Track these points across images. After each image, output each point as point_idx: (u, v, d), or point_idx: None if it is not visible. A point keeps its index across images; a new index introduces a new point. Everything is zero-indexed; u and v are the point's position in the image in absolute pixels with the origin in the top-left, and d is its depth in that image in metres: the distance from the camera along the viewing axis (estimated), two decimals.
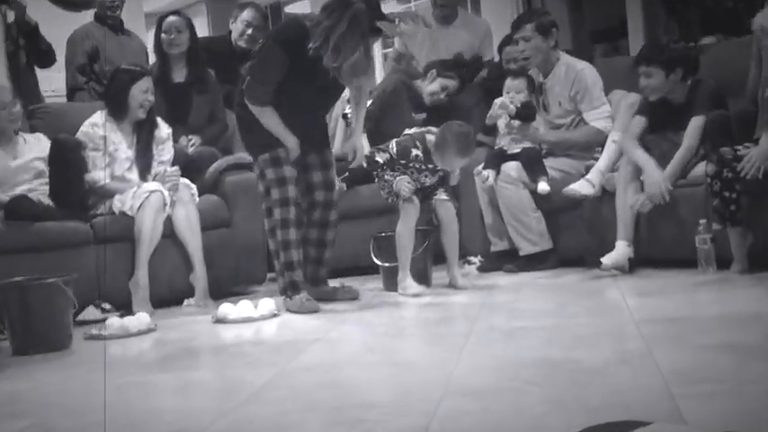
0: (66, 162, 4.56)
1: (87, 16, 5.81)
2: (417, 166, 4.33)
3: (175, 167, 4.70)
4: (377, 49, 7.53)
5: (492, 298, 4.03)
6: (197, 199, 4.70)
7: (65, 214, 4.48)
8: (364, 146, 4.46)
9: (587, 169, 4.64)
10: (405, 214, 4.29)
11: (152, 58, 5.63)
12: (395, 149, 4.34)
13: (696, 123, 4.24)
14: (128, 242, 4.46)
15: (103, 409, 2.44)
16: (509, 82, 4.95)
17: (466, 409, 2.15)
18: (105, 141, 4.66)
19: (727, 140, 4.03)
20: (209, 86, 5.36)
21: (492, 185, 4.82)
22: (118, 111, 4.71)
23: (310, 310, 3.99)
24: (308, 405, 2.34)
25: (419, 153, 4.32)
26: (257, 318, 3.91)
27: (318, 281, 4.31)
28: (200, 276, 4.53)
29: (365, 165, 4.39)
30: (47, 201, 4.51)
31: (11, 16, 5.29)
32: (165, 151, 4.80)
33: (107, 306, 4.34)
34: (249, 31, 5.75)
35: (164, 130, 4.83)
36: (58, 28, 5.69)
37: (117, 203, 4.56)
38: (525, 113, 4.86)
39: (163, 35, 5.29)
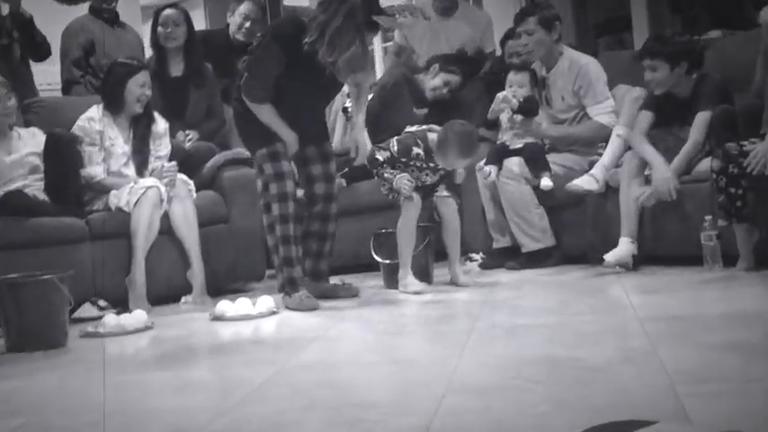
0: (62, 157, 4.56)
1: (82, 9, 5.80)
2: (418, 164, 4.33)
3: (173, 163, 4.70)
4: (377, 42, 7.53)
5: (494, 295, 4.03)
6: (194, 195, 4.70)
7: (60, 210, 4.48)
8: (366, 142, 4.45)
9: (591, 165, 4.64)
10: (405, 211, 4.29)
11: (148, 52, 5.62)
12: (396, 147, 4.34)
13: (702, 118, 4.24)
14: (124, 238, 4.47)
15: (99, 407, 2.45)
16: (511, 76, 4.95)
17: (467, 408, 2.15)
18: (103, 136, 4.67)
19: (732, 136, 4.03)
20: (206, 81, 5.36)
21: (494, 181, 4.82)
22: (114, 105, 4.71)
23: (309, 308, 3.99)
24: (307, 404, 2.34)
25: (420, 151, 4.32)
26: (255, 315, 3.91)
27: (319, 275, 4.31)
28: (197, 273, 4.53)
29: (367, 164, 4.39)
30: (42, 196, 4.51)
31: (5, 9, 5.28)
32: (162, 146, 4.81)
33: (103, 303, 4.35)
34: (247, 25, 5.75)
35: (161, 124, 4.83)
36: (53, 21, 5.68)
37: (113, 199, 4.56)
38: (528, 108, 4.86)
39: (159, 28, 5.29)
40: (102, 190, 4.62)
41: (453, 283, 4.37)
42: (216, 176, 4.92)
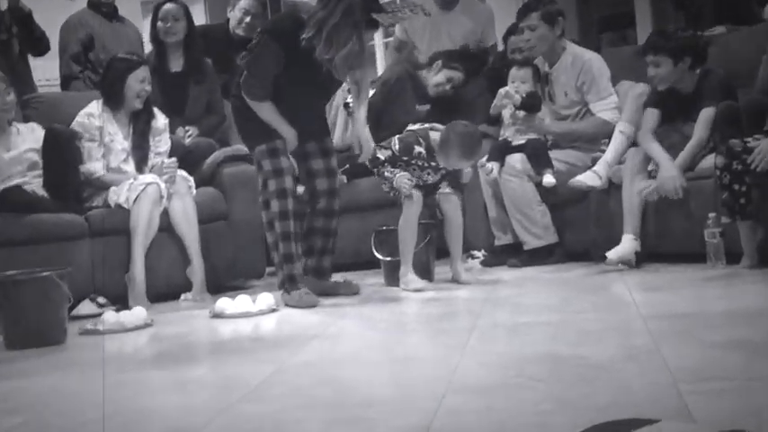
0: (61, 153, 4.56)
1: (81, 3, 5.80)
2: (420, 163, 4.33)
3: (173, 159, 4.70)
4: (378, 38, 7.52)
5: (496, 293, 4.03)
6: (194, 191, 4.71)
7: (59, 206, 4.48)
8: (369, 137, 4.45)
9: (594, 161, 4.63)
10: (406, 209, 4.29)
11: (147, 47, 5.62)
12: (397, 146, 4.34)
13: (706, 115, 4.23)
14: (123, 235, 4.47)
15: (97, 406, 2.45)
16: (514, 71, 4.95)
17: (469, 407, 2.15)
18: (103, 132, 4.67)
19: (736, 132, 4.02)
20: (206, 76, 5.36)
21: (496, 178, 4.82)
22: (114, 100, 4.71)
23: (309, 305, 3.99)
24: (307, 402, 2.34)
25: (422, 150, 4.31)
26: (255, 313, 3.91)
27: (323, 272, 4.31)
28: (197, 270, 4.53)
29: (368, 163, 4.39)
30: (41, 192, 4.52)
31: (4, 3, 5.28)
32: (161, 142, 4.81)
33: (102, 300, 4.35)
34: (247, 19, 5.74)
35: (160, 120, 4.83)
36: (52, 15, 5.68)
37: (113, 196, 4.56)
38: (530, 104, 4.85)
39: (159, 23, 5.29)
40: (102, 186, 4.62)
41: (455, 280, 4.37)
42: (216, 173, 4.92)
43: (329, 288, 4.28)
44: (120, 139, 4.70)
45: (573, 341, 2.86)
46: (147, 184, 4.48)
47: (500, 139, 4.94)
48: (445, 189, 4.42)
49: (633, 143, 4.51)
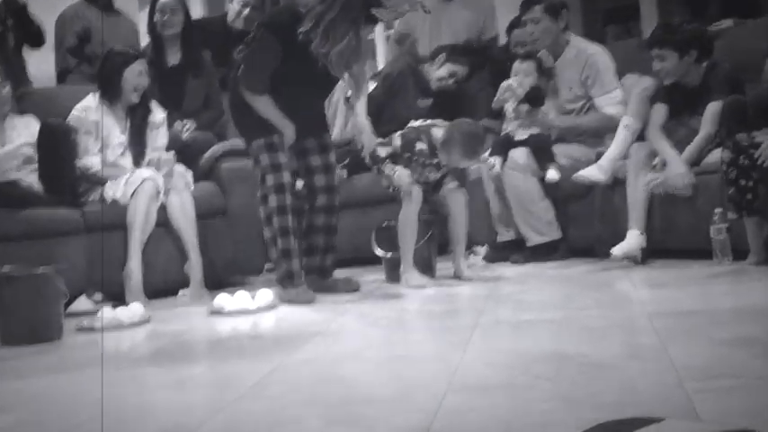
0: (56, 148, 4.55)
1: None
2: (422, 160, 4.32)
3: (170, 153, 4.70)
4: (379, 31, 7.51)
5: (498, 290, 4.03)
6: (192, 186, 4.70)
7: (55, 201, 4.48)
8: (370, 131, 4.44)
9: (598, 156, 4.63)
10: (406, 205, 4.28)
11: (144, 40, 5.61)
12: (399, 142, 4.33)
13: (713, 109, 4.22)
14: (120, 230, 4.46)
15: (93, 403, 2.44)
16: (517, 65, 4.95)
17: (471, 405, 2.15)
18: (99, 126, 4.66)
19: (743, 126, 4.01)
20: (204, 69, 5.36)
21: (499, 173, 4.81)
22: (111, 94, 4.70)
23: (306, 301, 3.99)
24: (307, 400, 2.34)
25: (424, 147, 4.30)
26: (254, 309, 3.91)
27: (326, 270, 4.31)
28: (195, 266, 4.53)
29: (367, 160, 4.39)
30: (38, 187, 4.51)
31: None
32: (159, 136, 4.80)
33: (99, 297, 4.34)
34: (246, 12, 5.74)
35: (158, 114, 4.83)
36: (47, 8, 5.67)
37: (109, 191, 4.55)
38: (534, 97, 4.85)
39: (156, 15, 5.29)
40: (98, 181, 4.62)
41: (457, 277, 4.37)
42: (214, 167, 4.92)
43: (329, 285, 4.28)
44: (116, 134, 4.70)
45: (577, 339, 2.85)
46: (144, 179, 4.48)
47: (503, 133, 4.94)
48: (450, 184, 4.40)
49: (638, 138, 4.51)
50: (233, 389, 2.51)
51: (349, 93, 5.08)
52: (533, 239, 4.77)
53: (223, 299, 3.96)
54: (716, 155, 4.15)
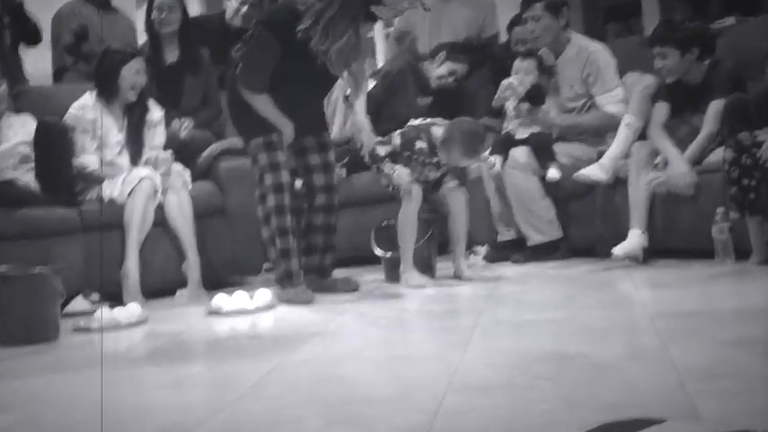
0: (53, 146, 4.55)
1: None
2: (421, 159, 4.32)
3: (168, 152, 4.70)
4: (378, 28, 7.51)
5: (499, 289, 4.03)
6: (190, 185, 4.70)
7: (52, 200, 4.48)
8: (368, 129, 4.44)
9: (600, 155, 4.63)
10: (405, 204, 4.28)
11: (141, 38, 5.61)
12: (398, 141, 4.33)
13: (716, 107, 4.22)
14: (117, 230, 4.46)
15: (90, 404, 2.44)
16: (518, 63, 4.94)
17: (471, 406, 2.15)
18: (96, 124, 4.65)
19: (745, 125, 4.01)
20: (202, 67, 5.35)
21: (499, 172, 4.81)
22: (108, 92, 4.70)
23: (304, 301, 3.99)
24: (306, 400, 2.34)
25: (424, 146, 4.30)
26: (253, 309, 3.91)
27: (325, 270, 4.31)
28: (193, 266, 4.53)
29: (367, 159, 4.39)
30: (34, 186, 4.51)
31: None
32: (156, 135, 4.80)
33: (96, 297, 4.34)
34: (244, 9, 5.73)
35: (155, 113, 4.82)
36: (43, 5, 5.66)
37: (106, 190, 4.55)
38: (534, 96, 4.85)
39: (154, 13, 5.28)
40: (96, 180, 4.61)
41: (457, 276, 4.37)
42: (212, 166, 4.92)
43: (328, 285, 4.28)
44: (114, 132, 4.69)
45: (578, 339, 2.85)
46: (142, 178, 4.48)
47: (503, 132, 4.94)
48: (451, 183, 4.40)
49: (640, 136, 4.51)
50: (232, 389, 2.52)
51: (348, 91, 5.08)
52: (534, 239, 4.77)
53: (221, 299, 3.96)
54: (718, 154, 4.15)
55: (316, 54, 3.95)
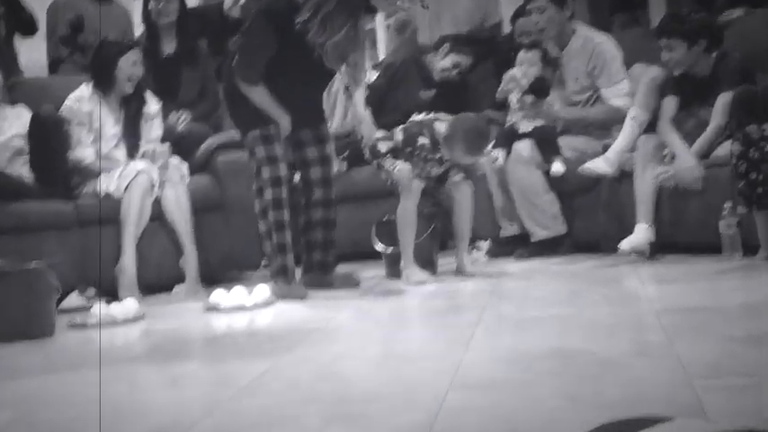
0: (48, 138, 4.55)
1: None
2: (423, 155, 4.30)
3: (165, 145, 4.69)
4: (379, 19, 7.51)
5: (501, 285, 4.03)
6: (187, 179, 4.70)
7: (47, 193, 4.47)
8: (368, 121, 4.43)
9: (605, 148, 4.62)
10: (404, 199, 4.27)
11: (138, 29, 5.60)
12: (401, 137, 4.32)
13: (724, 100, 4.21)
14: (114, 224, 4.46)
15: (86, 401, 2.44)
16: (522, 55, 4.93)
17: (473, 404, 2.15)
18: (93, 117, 4.65)
19: (753, 118, 4.00)
20: (200, 59, 5.35)
21: (502, 166, 4.80)
22: (104, 84, 4.70)
23: (298, 297, 3.99)
24: (305, 398, 2.34)
25: (426, 141, 4.29)
26: (251, 306, 3.91)
27: (327, 266, 4.30)
28: (190, 261, 4.53)
29: (367, 155, 4.38)
30: (28, 179, 4.51)
31: None
32: (154, 128, 4.80)
33: (92, 292, 4.34)
34: (242, 1, 5.72)
35: (153, 105, 4.82)
36: None
37: (102, 184, 4.55)
38: (538, 88, 4.83)
39: (151, 3, 5.27)
40: (92, 173, 4.61)
41: (459, 272, 4.36)
42: (210, 160, 4.91)
43: (329, 281, 4.27)
44: (110, 125, 4.69)
45: (583, 336, 2.85)
46: (139, 172, 4.47)
47: (507, 125, 4.93)
48: (456, 177, 4.39)
49: (646, 129, 4.50)
50: (229, 386, 2.51)
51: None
52: (538, 234, 4.77)
53: (219, 295, 3.96)
54: (726, 147, 4.14)
55: (313, 46, 3.95)
